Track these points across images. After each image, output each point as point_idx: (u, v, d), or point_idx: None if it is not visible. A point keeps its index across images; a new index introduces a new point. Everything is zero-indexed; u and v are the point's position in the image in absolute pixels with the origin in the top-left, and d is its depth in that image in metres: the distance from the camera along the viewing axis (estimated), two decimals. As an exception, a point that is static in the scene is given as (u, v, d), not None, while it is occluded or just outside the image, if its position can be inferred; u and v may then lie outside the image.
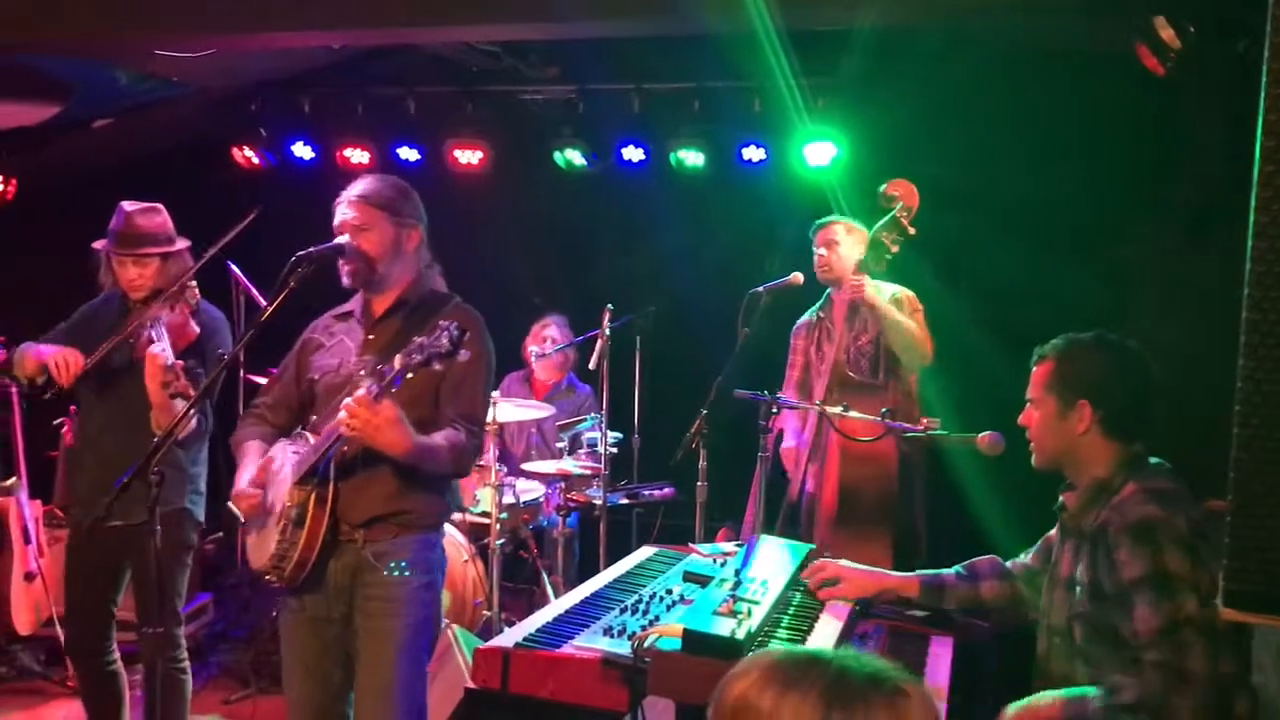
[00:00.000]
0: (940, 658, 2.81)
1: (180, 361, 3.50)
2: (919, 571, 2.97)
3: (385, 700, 2.99)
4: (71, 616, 3.92)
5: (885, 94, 5.37)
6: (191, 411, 3.06)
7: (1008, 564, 2.96)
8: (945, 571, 2.97)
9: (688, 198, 6.09)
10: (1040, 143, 5.28)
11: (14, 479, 5.13)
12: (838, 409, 3.70)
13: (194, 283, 3.80)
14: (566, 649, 2.74)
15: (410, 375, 2.76)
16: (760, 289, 4.41)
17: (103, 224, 3.84)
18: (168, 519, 3.32)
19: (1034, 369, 2.70)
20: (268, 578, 3.12)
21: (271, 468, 3.10)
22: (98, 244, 3.82)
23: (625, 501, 5.52)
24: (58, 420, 5.54)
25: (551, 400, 5.78)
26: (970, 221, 5.14)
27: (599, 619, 2.96)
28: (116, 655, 3.92)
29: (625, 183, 6.13)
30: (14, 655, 5.12)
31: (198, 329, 3.72)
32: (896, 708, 1.32)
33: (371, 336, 3.14)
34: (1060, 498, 2.72)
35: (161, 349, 3.49)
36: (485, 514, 5.14)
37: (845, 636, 2.78)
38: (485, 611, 5.01)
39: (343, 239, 3.02)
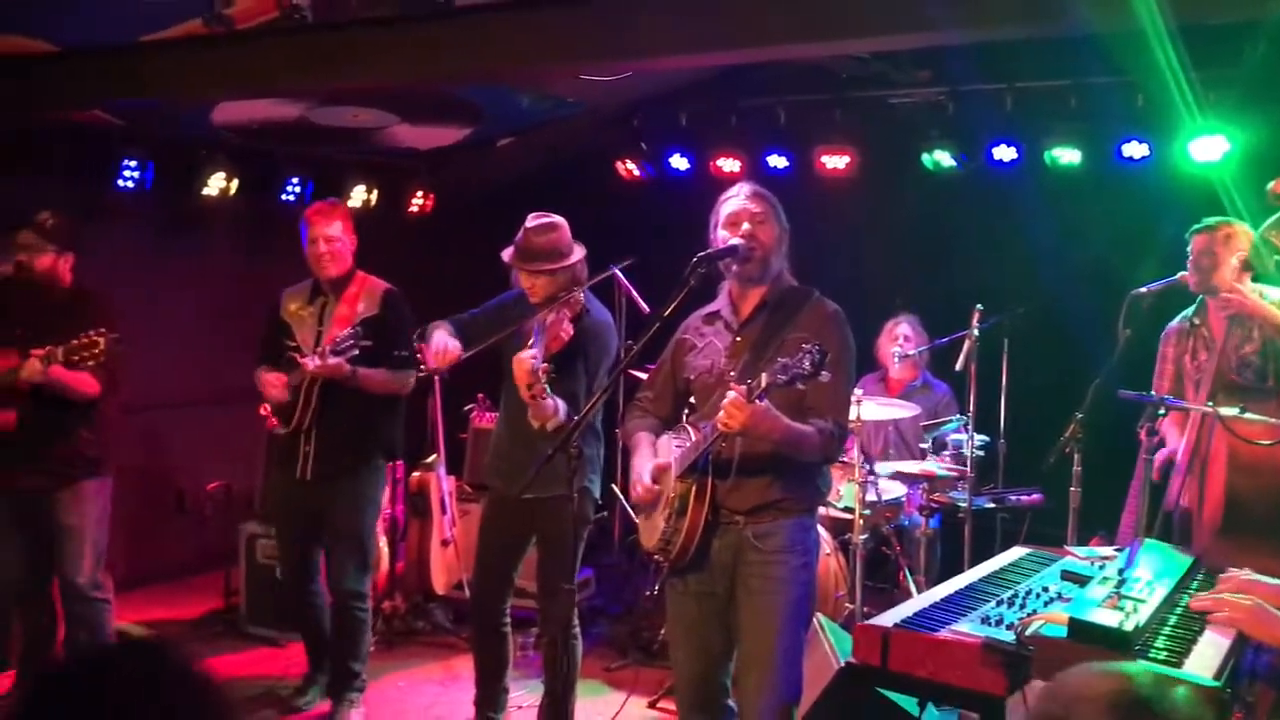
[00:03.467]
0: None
1: (545, 365, 3.88)
2: None
3: (768, 669, 3.20)
4: (479, 579, 4.42)
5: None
6: (568, 438, 3.36)
7: None
8: None
9: (1061, 196, 5.94)
10: None
11: (433, 456, 5.84)
12: (1233, 410, 3.54)
13: (579, 292, 4.19)
14: (944, 633, 2.84)
15: (774, 389, 2.98)
16: (1144, 289, 4.26)
17: (504, 232, 4.28)
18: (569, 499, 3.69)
19: None
20: (656, 558, 3.43)
21: (666, 463, 3.40)
22: (505, 254, 4.28)
23: (990, 505, 5.47)
24: (468, 406, 6.25)
25: (907, 399, 5.81)
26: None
27: (974, 609, 3.03)
28: (509, 620, 4.42)
29: (995, 183, 6.06)
30: (431, 612, 5.82)
31: (568, 334, 4.07)
32: None
33: (739, 339, 3.35)
34: None
35: (531, 354, 3.88)
36: (848, 509, 5.28)
37: (1235, 650, 2.69)
38: (848, 605, 5.15)
39: (736, 240, 3.26)
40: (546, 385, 3.86)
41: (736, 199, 3.32)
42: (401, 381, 4.59)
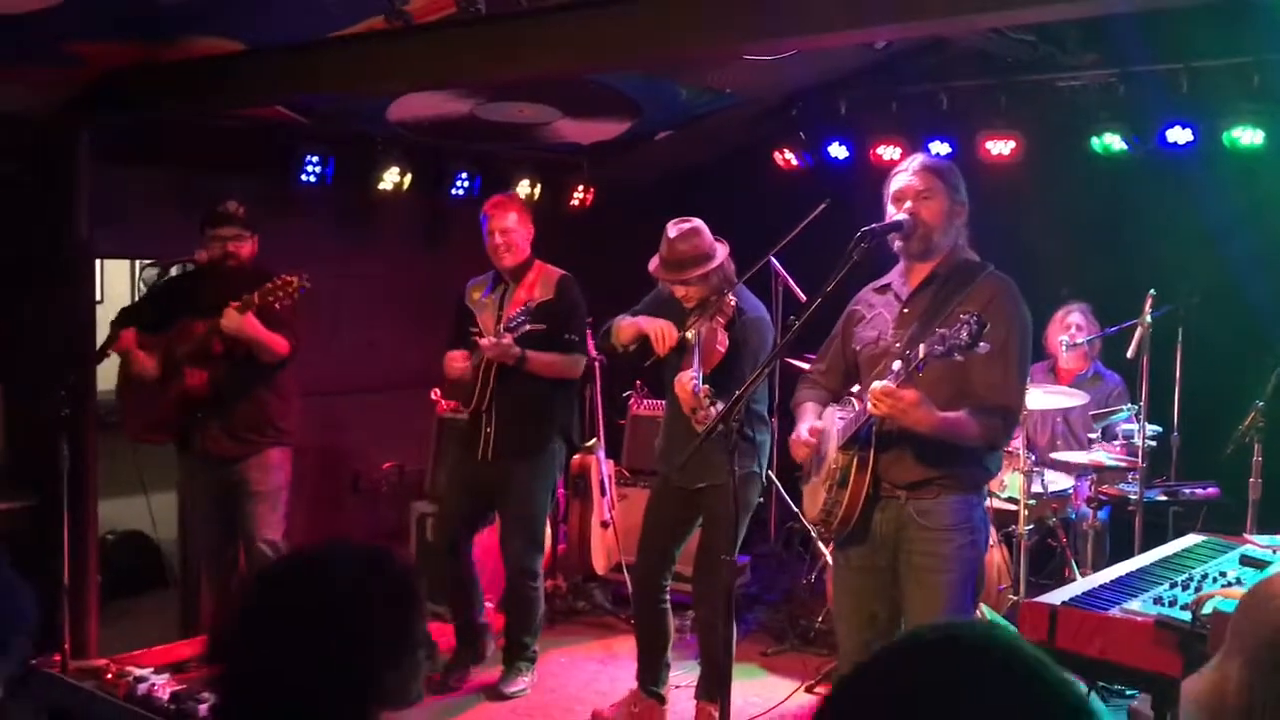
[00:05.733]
0: None
1: (706, 387, 4.00)
2: None
3: None
4: (641, 554, 4.56)
5: None
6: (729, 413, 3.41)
7: None
8: None
9: (1240, 178, 5.68)
10: None
11: (594, 440, 5.98)
12: None
13: (731, 297, 4.25)
14: (1115, 612, 2.79)
15: (932, 362, 2.96)
16: (1332, 270, 4.07)
17: (662, 225, 4.35)
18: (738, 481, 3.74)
19: None
20: (818, 528, 3.46)
21: (824, 428, 3.43)
22: (651, 267, 4.39)
23: (1162, 498, 5.28)
24: (626, 393, 6.37)
25: (1077, 389, 5.65)
26: None
27: (1146, 591, 2.97)
28: (668, 598, 4.54)
29: (1168, 166, 5.83)
30: (590, 592, 5.98)
31: (724, 346, 4.17)
32: None
33: (905, 311, 3.33)
34: None
35: (691, 375, 4.00)
36: (1012, 500, 5.18)
37: None
38: (1011, 596, 5.06)
39: (901, 216, 3.25)
40: (710, 406, 3.94)
41: (904, 174, 3.33)
42: (571, 365, 4.76)
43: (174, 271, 5.57)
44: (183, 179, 5.69)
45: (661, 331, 4.24)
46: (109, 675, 4.59)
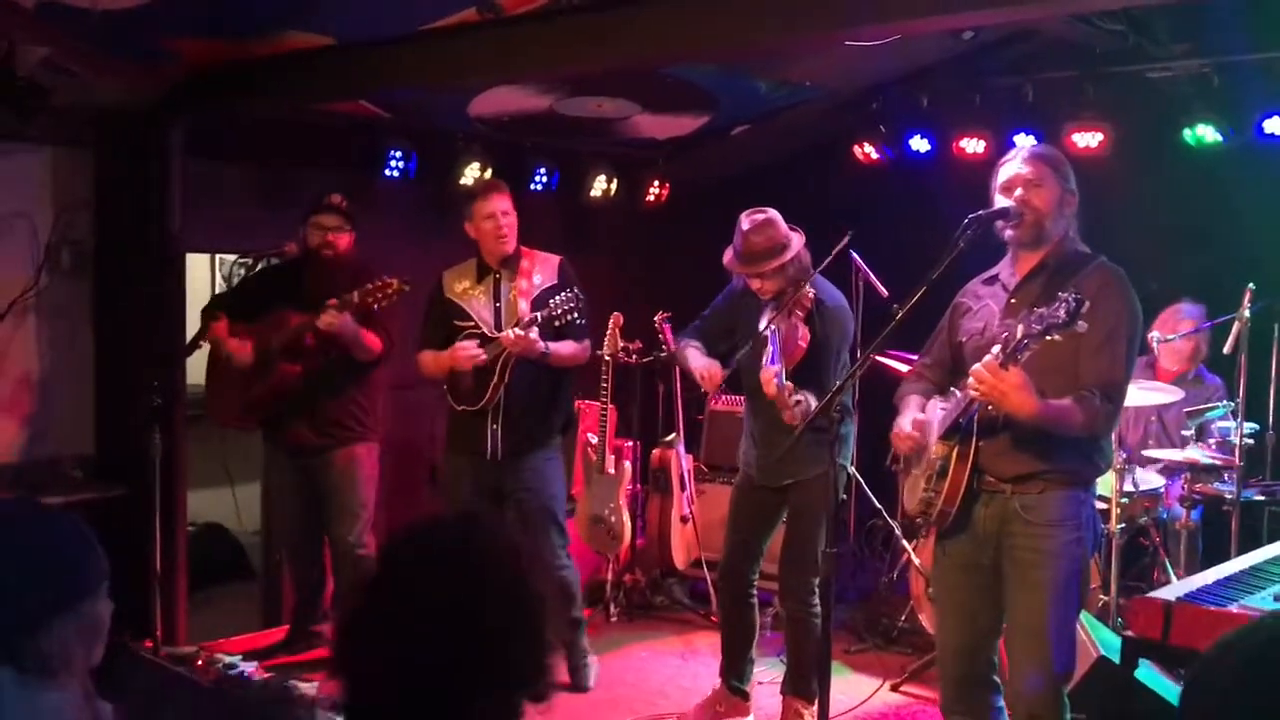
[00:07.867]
0: None
1: (790, 384, 3.91)
2: None
3: (1037, 642, 3.11)
4: (728, 548, 4.52)
5: None
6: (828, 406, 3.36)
7: None
8: None
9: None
10: None
11: (674, 435, 5.97)
12: None
13: (809, 289, 4.19)
14: (1234, 608, 2.72)
15: (1030, 343, 2.89)
16: None
17: (737, 220, 4.31)
18: (825, 475, 3.69)
19: None
20: (916, 521, 3.40)
21: (926, 419, 3.37)
22: (726, 260, 4.33)
23: (1259, 498, 5.15)
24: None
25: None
26: None
27: (1264, 588, 2.89)
28: (755, 591, 4.49)
29: (1265, 157, 5.68)
30: (669, 588, 5.96)
31: (806, 341, 4.10)
32: None
33: (1013, 301, 3.27)
34: None
35: (774, 371, 3.92)
36: (1103, 498, 5.06)
37: None
38: (1102, 596, 4.95)
39: (1007, 202, 3.20)
40: (796, 404, 3.89)
41: (1013, 163, 3.27)
42: (585, 352, 4.66)
43: (261, 266, 5.65)
44: (268, 174, 5.76)
45: (707, 374, 4.27)
46: (199, 661, 4.65)
